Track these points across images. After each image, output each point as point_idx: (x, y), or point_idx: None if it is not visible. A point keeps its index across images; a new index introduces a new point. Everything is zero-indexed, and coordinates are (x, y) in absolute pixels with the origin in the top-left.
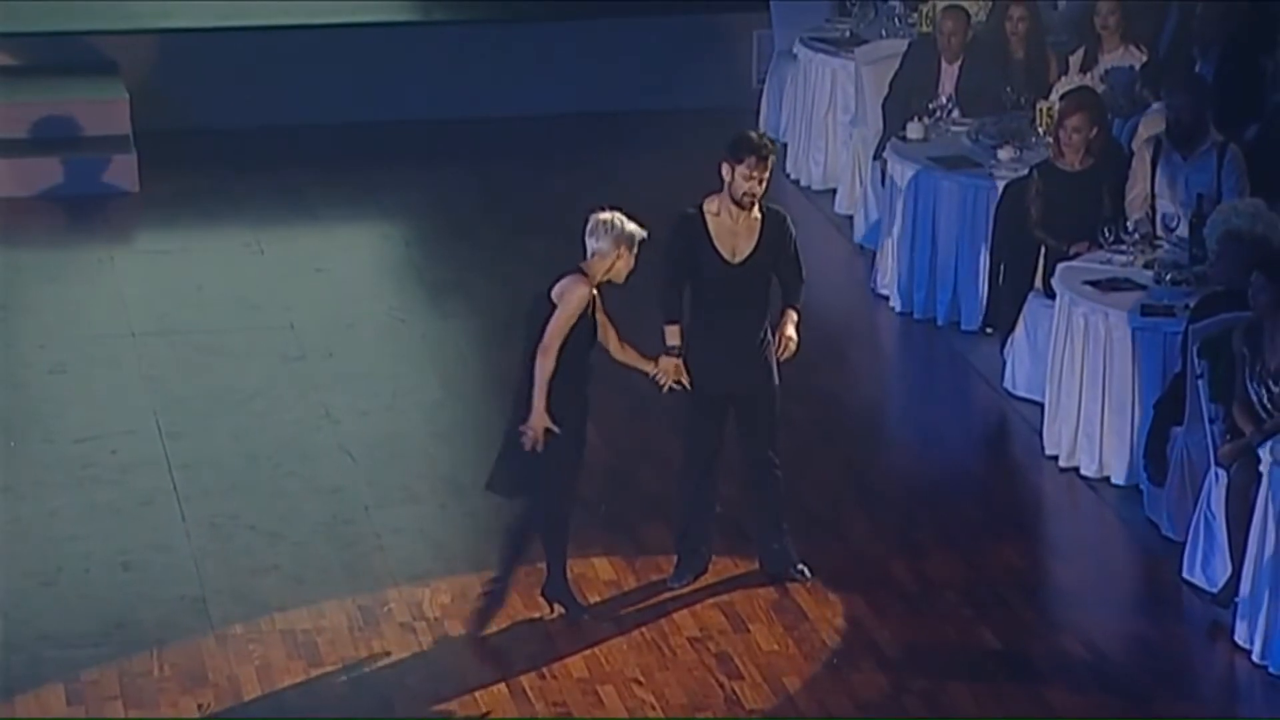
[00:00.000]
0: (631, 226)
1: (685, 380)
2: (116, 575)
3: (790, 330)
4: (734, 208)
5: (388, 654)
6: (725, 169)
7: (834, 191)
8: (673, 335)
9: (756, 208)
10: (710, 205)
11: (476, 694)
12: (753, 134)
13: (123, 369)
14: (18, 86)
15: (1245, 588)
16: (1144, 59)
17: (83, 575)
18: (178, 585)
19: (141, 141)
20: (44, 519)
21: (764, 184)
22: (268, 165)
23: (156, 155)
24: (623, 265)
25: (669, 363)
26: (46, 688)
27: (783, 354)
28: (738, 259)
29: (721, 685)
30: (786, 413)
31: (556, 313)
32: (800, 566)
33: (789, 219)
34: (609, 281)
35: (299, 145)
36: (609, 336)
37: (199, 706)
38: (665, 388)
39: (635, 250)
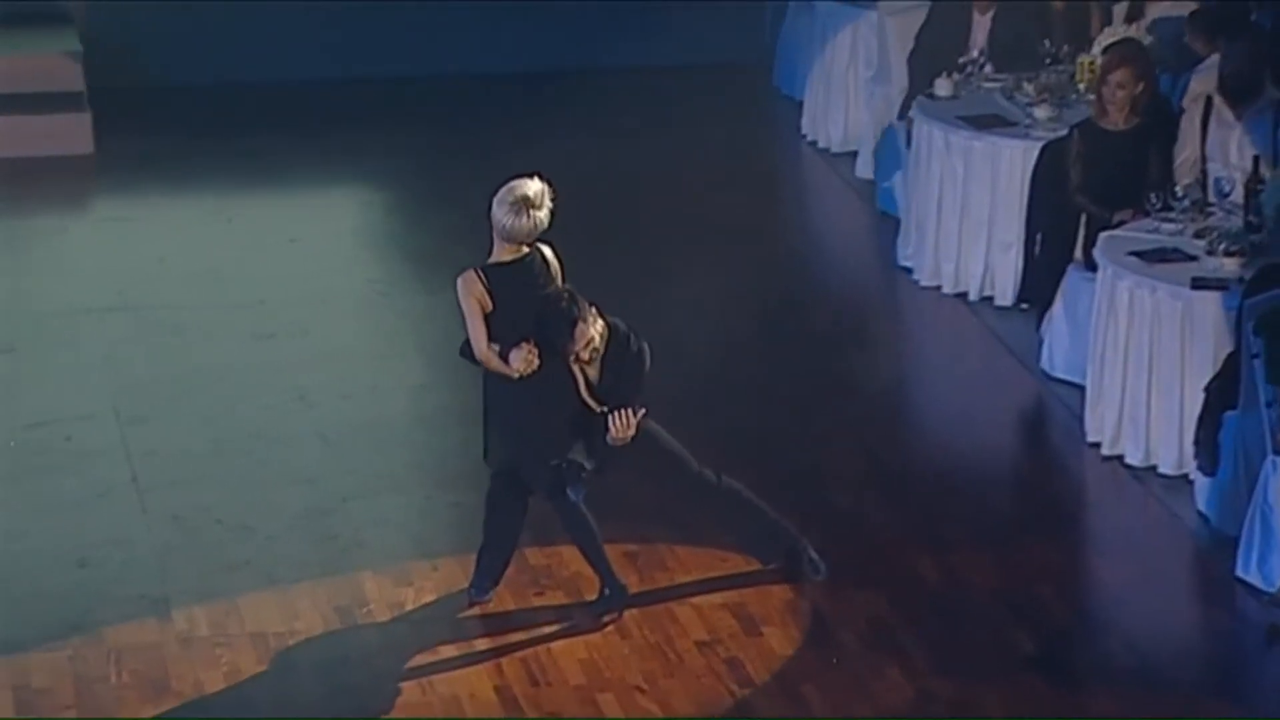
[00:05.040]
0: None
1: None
2: (72, 573)
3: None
4: None
5: (367, 658)
6: None
7: (855, 155)
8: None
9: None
10: None
11: (464, 702)
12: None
13: (79, 348)
14: None
15: None
16: (1194, 8)
17: (35, 573)
18: (138, 584)
19: (97, 99)
20: None
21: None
22: (236, 126)
23: (114, 114)
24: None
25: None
26: None
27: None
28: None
29: (732, 693)
30: (801, 396)
31: None
32: (813, 557)
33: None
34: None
35: (270, 104)
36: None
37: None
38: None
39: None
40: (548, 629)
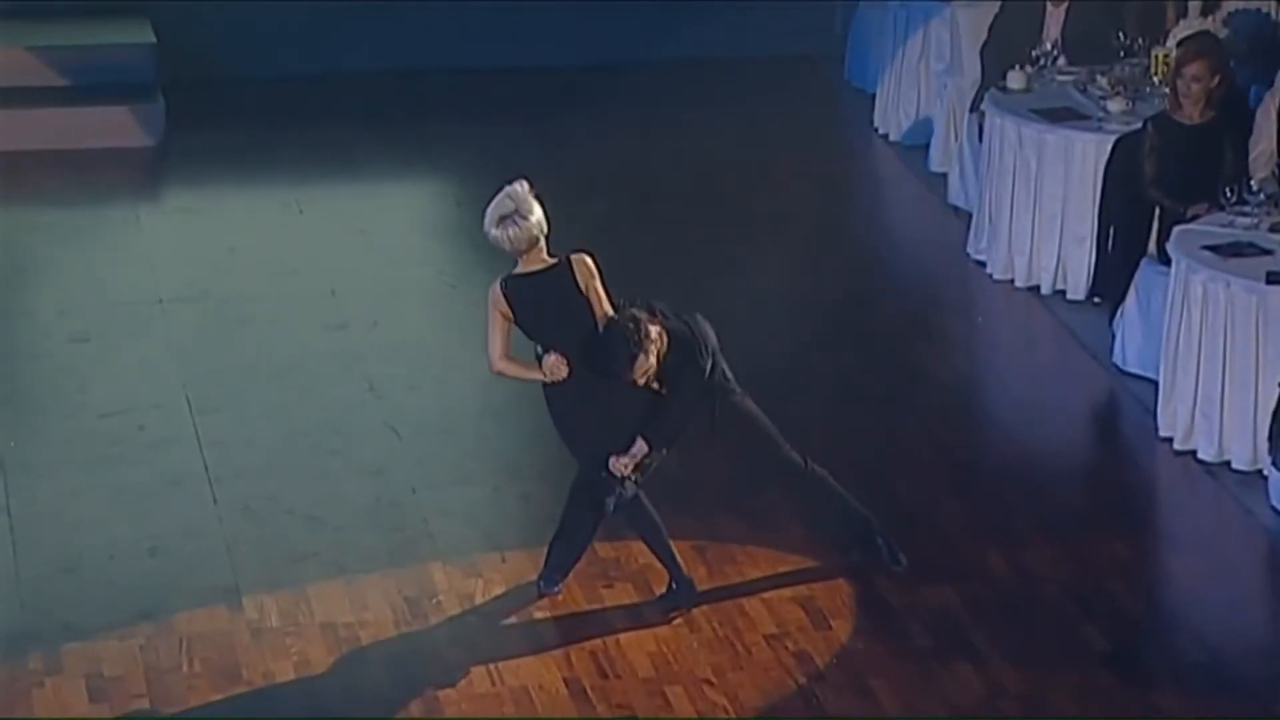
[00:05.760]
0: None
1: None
2: (143, 562)
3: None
4: None
5: (436, 649)
6: None
7: (926, 147)
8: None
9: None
10: None
11: (533, 694)
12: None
13: (150, 338)
14: (35, 30)
15: None
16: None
17: (106, 562)
18: (209, 574)
19: (169, 91)
20: (65, 500)
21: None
22: (307, 117)
23: (186, 106)
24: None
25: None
26: (67, 683)
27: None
28: None
29: (800, 686)
30: (872, 389)
31: None
32: (893, 548)
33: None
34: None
35: (341, 96)
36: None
37: None
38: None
39: (504, 228)
40: (617, 622)
